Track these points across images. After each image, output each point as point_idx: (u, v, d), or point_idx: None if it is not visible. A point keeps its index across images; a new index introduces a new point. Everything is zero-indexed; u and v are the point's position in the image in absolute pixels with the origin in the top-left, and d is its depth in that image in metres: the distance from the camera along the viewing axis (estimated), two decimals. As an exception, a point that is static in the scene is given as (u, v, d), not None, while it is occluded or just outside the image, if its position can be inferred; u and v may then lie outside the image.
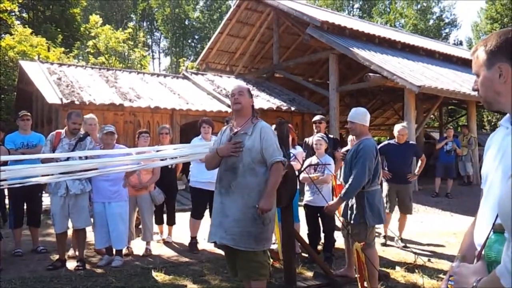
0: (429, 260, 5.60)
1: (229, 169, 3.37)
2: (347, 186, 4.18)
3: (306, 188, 5.66)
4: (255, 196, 3.26)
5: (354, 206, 4.22)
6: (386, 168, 6.45)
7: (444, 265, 5.45)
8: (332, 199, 4.94)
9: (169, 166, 6.30)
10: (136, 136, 6.35)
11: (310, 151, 6.39)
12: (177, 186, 6.90)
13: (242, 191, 3.28)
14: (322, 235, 5.76)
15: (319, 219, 5.65)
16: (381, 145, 6.59)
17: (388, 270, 5.12)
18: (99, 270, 5.19)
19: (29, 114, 6.31)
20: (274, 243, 5.69)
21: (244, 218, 3.25)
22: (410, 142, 6.99)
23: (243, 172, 3.30)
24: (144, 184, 5.96)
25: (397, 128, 6.67)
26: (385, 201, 6.26)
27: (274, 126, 5.82)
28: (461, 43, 40.46)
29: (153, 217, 6.36)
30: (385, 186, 6.42)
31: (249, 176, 3.29)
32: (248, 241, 3.25)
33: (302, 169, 5.51)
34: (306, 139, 6.69)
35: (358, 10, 45.28)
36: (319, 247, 5.91)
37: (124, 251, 5.72)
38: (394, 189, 6.47)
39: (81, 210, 5.20)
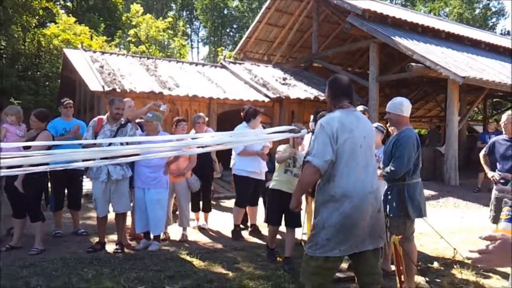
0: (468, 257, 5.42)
1: None
2: (385, 171, 4.13)
3: None
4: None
5: (394, 199, 4.13)
6: (497, 170, 5.40)
7: (485, 262, 5.27)
8: None
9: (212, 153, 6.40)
10: (173, 124, 6.41)
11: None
12: (213, 174, 6.94)
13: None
14: None
15: None
16: (490, 142, 5.64)
17: (425, 265, 5.01)
18: (137, 254, 5.32)
19: (71, 101, 6.48)
20: (305, 234, 5.68)
21: None
22: None
23: None
24: (182, 171, 6.04)
25: (503, 118, 5.44)
26: (490, 208, 5.46)
27: (312, 116, 5.81)
28: (508, 33, 38.80)
29: (190, 203, 6.45)
30: (494, 190, 5.35)
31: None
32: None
33: None
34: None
35: (400, -2, 44.08)
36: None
37: (161, 236, 5.83)
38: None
39: (121, 195, 5.33)
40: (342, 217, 3.02)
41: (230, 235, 6.30)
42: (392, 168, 4.05)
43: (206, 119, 6.88)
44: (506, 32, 38.95)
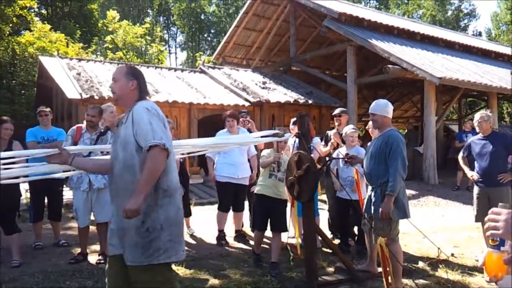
0: (452, 255, 5.51)
1: (111, 170, 2.83)
2: (391, 182, 4.04)
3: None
4: None
5: (378, 201, 4.15)
6: (475, 169, 5.40)
7: (467, 259, 5.35)
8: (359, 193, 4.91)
9: (180, 160, 6.31)
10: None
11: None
12: (188, 179, 6.91)
13: (123, 195, 2.66)
14: (355, 228, 5.82)
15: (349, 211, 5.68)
16: (466, 144, 5.72)
17: (411, 265, 5.05)
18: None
19: (47, 109, 6.32)
20: (292, 237, 5.68)
21: (128, 226, 2.64)
22: (499, 132, 5.72)
23: (120, 171, 2.71)
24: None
25: (476, 117, 5.42)
26: (473, 207, 5.47)
27: (293, 119, 5.83)
28: (480, 34, 39.83)
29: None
30: (475, 189, 5.41)
31: (126, 175, 2.67)
32: (136, 253, 2.63)
33: (330, 159, 5.56)
34: (328, 132, 6.56)
35: (375, 1, 44.75)
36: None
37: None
38: (485, 194, 5.23)
39: (103, 204, 5.22)
40: (178, 212, 2.74)
41: (214, 241, 6.26)
42: (397, 177, 4.03)
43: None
44: (478, 33, 39.89)
